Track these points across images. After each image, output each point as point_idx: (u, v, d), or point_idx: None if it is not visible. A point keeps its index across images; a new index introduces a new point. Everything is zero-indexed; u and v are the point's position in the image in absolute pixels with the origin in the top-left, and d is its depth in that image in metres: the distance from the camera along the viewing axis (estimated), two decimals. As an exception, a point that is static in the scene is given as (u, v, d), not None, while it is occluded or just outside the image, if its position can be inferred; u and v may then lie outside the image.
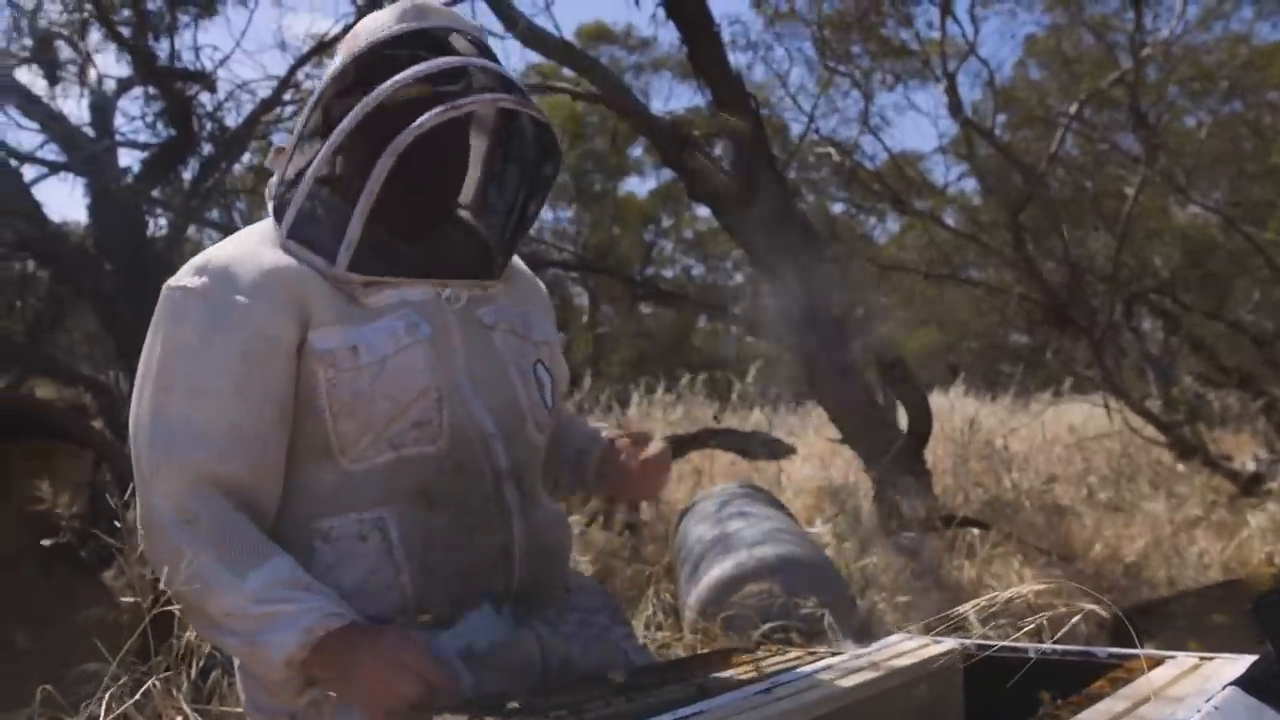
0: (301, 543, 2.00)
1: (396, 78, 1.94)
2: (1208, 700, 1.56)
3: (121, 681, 2.52)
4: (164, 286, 2.04)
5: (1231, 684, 1.62)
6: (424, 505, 2.01)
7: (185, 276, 2.02)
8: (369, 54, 2.03)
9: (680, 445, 8.51)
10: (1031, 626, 1.75)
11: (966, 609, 1.67)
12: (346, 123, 1.97)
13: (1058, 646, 1.91)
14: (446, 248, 2.14)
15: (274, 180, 2.11)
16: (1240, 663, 1.75)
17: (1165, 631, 4.17)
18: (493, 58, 2.10)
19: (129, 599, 2.75)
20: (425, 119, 1.91)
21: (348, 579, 1.98)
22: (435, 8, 2.12)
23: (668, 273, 31.36)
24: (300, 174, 2.03)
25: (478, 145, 2.20)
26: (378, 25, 2.06)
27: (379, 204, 1.97)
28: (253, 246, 2.05)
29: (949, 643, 1.96)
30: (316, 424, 1.99)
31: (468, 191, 2.23)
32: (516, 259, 2.32)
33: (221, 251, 2.06)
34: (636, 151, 27.13)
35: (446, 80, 1.97)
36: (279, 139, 10.63)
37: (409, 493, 2.00)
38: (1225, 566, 6.59)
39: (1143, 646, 1.88)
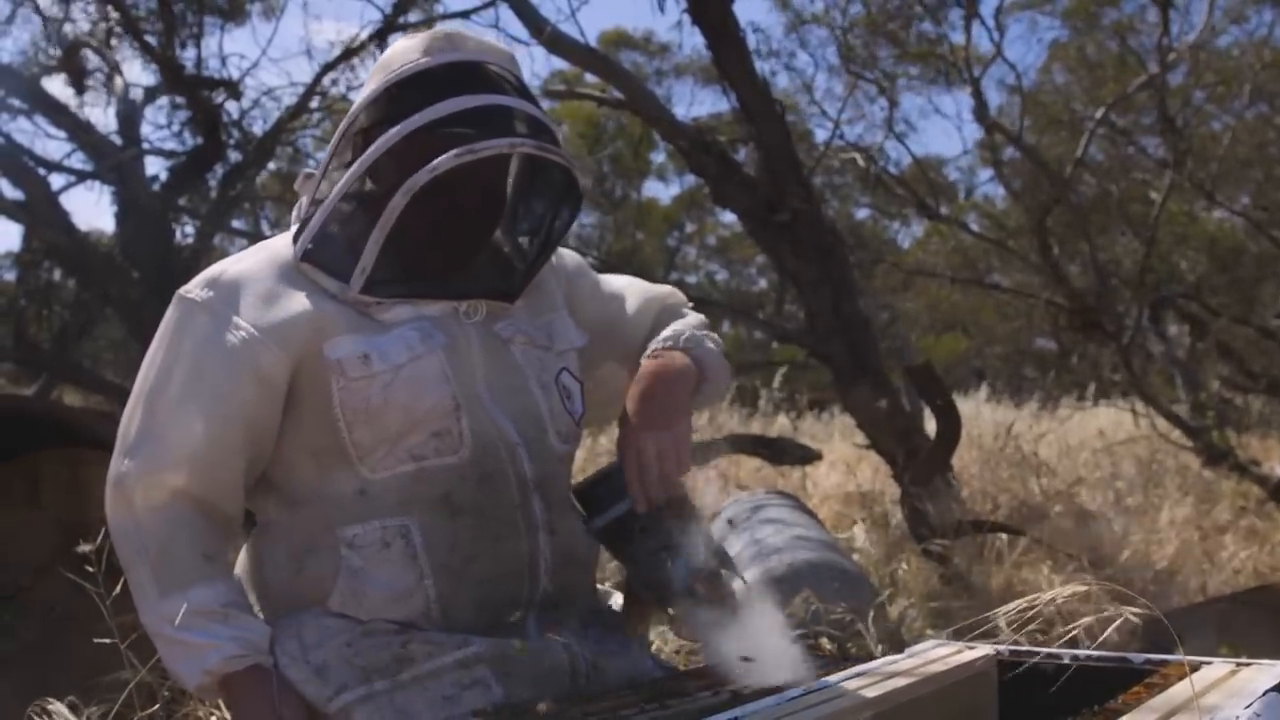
0: (328, 549, 2.02)
1: (410, 120, 1.95)
2: (1247, 706, 1.54)
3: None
4: (176, 293, 2.08)
5: (1271, 690, 1.61)
6: (447, 513, 2.01)
7: (196, 288, 2.05)
8: (396, 88, 2.03)
9: (706, 451, 8.51)
10: (1075, 633, 1.73)
11: (1010, 609, 1.66)
12: (365, 158, 1.98)
13: (1093, 652, 1.89)
14: (467, 270, 2.12)
15: (303, 201, 2.12)
16: (1278, 668, 1.73)
17: (1197, 637, 4.13)
18: (523, 88, 2.10)
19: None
20: (439, 162, 1.91)
21: (373, 584, 2.00)
22: (464, 36, 2.11)
23: (691, 278, 31.37)
24: (323, 200, 2.04)
25: (514, 181, 2.17)
26: (406, 57, 2.06)
27: (402, 235, 1.98)
28: (266, 266, 2.07)
29: (983, 648, 1.95)
30: (333, 433, 2.01)
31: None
32: None
33: (235, 267, 2.08)
34: (659, 157, 27.16)
35: (468, 120, 1.96)
36: (311, 158, 10.68)
37: (432, 501, 2.01)
38: (1256, 572, 6.55)
39: (1175, 653, 1.87)
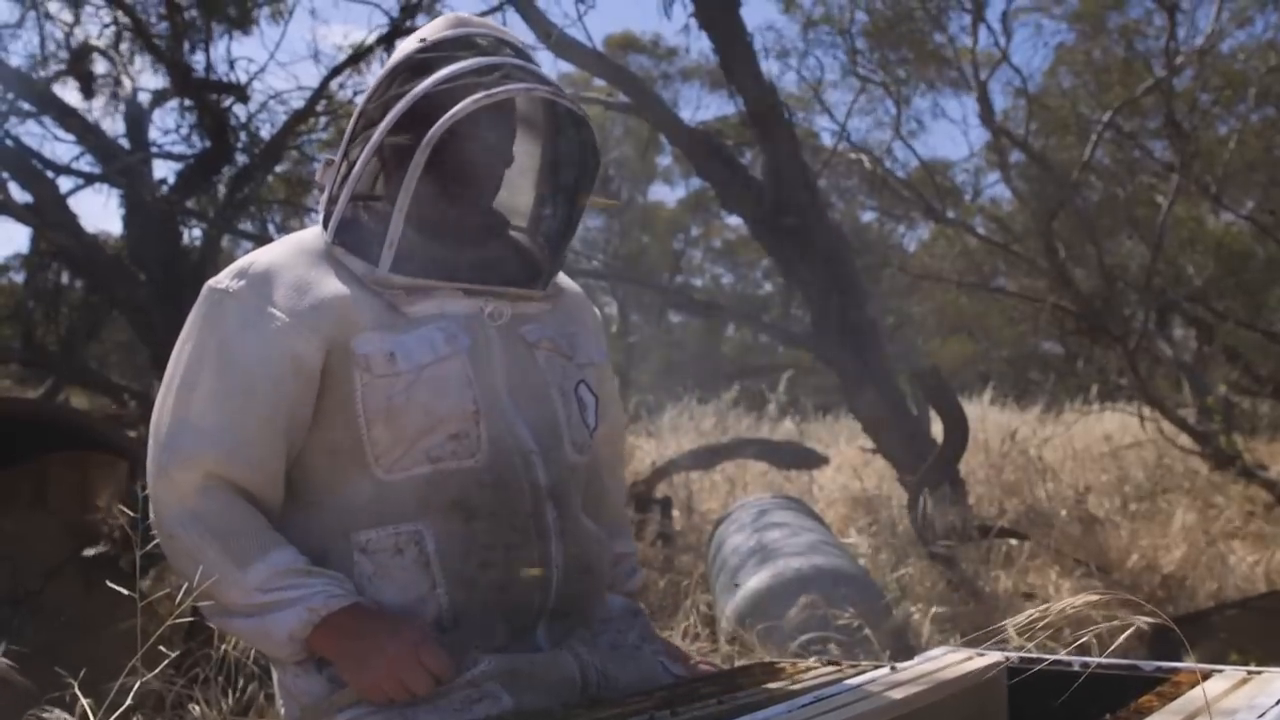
0: (342, 554, 2.01)
1: (435, 75, 1.97)
2: (1261, 715, 1.53)
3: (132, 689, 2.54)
4: (205, 285, 2.08)
5: (1284, 699, 1.60)
6: (461, 519, 2.00)
7: (226, 279, 2.05)
8: (410, 60, 2.05)
9: (713, 455, 8.50)
10: (1084, 639, 1.72)
11: (1021, 619, 1.66)
12: (386, 122, 1.98)
13: (1103, 660, 1.89)
14: (493, 257, 2.13)
15: (323, 195, 2.13)
16: (1291, 677, 1.73)
17: (1206, 643, 4.12)
18: (533, 65, 2.12)
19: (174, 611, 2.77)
20: (460, 107, 1.92)
21: (386, 591, 1.99)
22: (476, 19, 2.14)
23: (697, 281, 31.38)
24: (345, 182, 2.05)
25: (530, 160, 2.19)
26: (419, 34, 2.09)
27: (421, 205, 1.98)
28: (296, 256, 2.07)
29: (993, 656, 1.94)
30: (352, 431, 2.00)
31: (521, 209, 2.22)
32: (568, 281, 2.32)
33: (264, 257, 2.08)
34: (666, 160, 27.18)
35: (483, 75, 1.98)
36: (317, 160, 10.69)
37: (446, 506, 2.00)
38: (1266, 578, 6.53)
39: (1184, 659, 1.86)
